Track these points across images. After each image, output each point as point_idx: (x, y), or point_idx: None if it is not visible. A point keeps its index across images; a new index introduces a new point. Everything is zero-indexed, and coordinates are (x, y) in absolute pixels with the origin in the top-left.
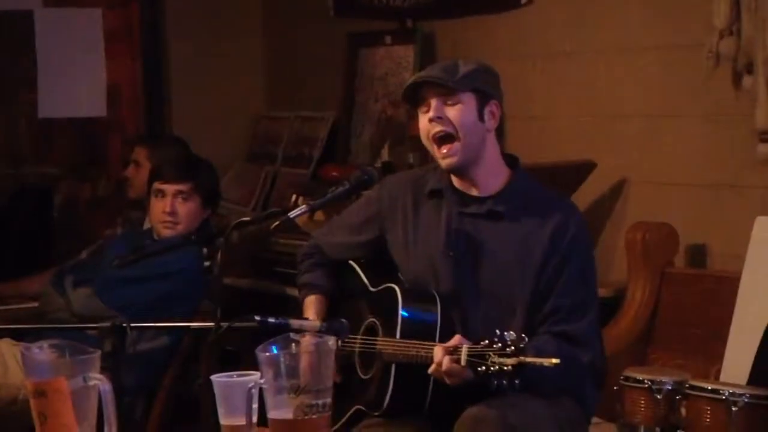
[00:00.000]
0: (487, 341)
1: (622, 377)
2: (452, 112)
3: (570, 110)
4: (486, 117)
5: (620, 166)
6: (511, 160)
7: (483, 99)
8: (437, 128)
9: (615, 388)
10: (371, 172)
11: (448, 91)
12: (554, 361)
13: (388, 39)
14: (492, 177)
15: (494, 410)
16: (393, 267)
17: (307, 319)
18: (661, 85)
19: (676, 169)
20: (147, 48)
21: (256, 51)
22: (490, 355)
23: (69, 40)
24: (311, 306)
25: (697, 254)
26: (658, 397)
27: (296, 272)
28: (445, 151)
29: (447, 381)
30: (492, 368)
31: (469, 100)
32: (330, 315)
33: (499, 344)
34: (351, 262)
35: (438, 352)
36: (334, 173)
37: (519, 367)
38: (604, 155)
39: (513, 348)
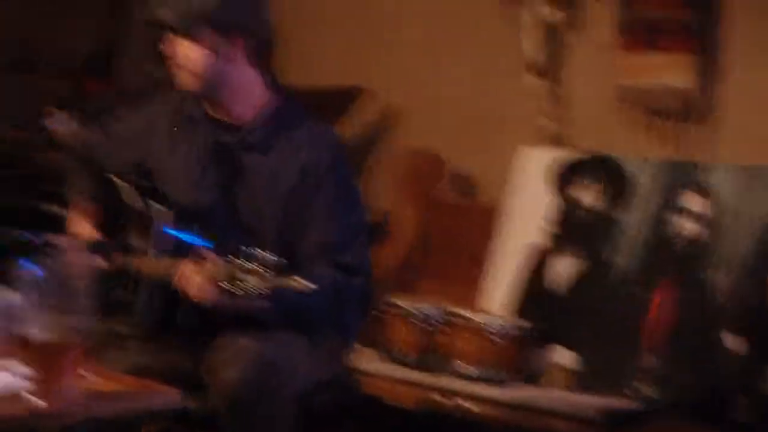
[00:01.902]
0: (242, 261)
1: (384, 303)
2: (183, 51)
3: (342, 35)
4: (227, 52)
5: (390, 93)
6: (274, 85)
7: (223, 35)
8: (173, 63)
9: (378, 314)
10: (138, 89)
11: (177, 32)
12: (309, 284)
13: None
14: (245, 104)
15: (250, 342)
16: (156, 187)
17: (71, 236)
18: (434, 13)
19: (444, 98)
20: None
21: None
22: (241, 274)
23: None
24: (78, 219)
25: (464, 183)
26: (417, 323)
27: (57, 188)
28: (181, 77)
29: (192, 294)
30: (243, 287)
31: (203, 38)
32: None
33: (255, 264)
34: (116, 179)
35: (184, 268)
36: (98, 87)
37: (273, 289)
38: (375, 81)
39: (269, 269)
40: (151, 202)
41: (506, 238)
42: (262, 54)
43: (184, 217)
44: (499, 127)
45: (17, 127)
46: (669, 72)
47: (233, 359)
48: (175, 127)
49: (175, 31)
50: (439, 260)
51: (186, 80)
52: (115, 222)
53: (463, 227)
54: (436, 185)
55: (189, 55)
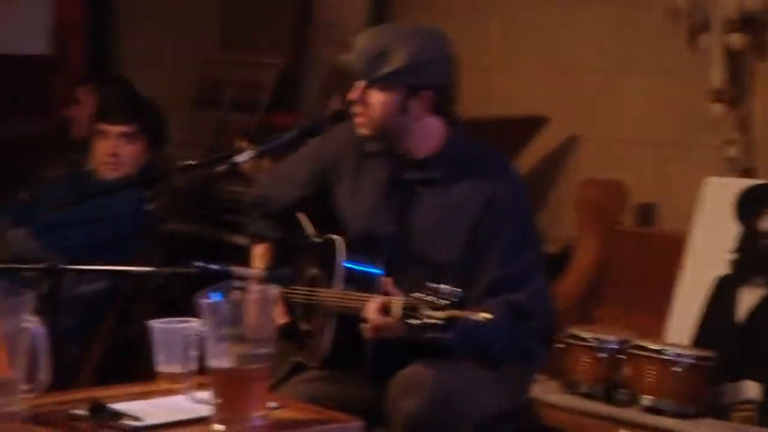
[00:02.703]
0: (421, 294)
1: (567, 335)
2: (373, 99)
3: (525, 64)
4: (412, 108)
5: (573, 122)
6: (450, 121)
7: (411, 92)
8: (356, 109)
9: (559, 345)
10: (319, 120)
11: (367, 84)
12: (486, 315)
13: None
14: (423, 143)
15: (431, 372)
16: (338, 219)
17: (253, 267)
18: (617, 41)
19: (628, 126)
20: None
21: None
22: (422, 308)
23: None
24: (259, 256)
25: (647, 213)
26: (602, 355)
27: (242, 220)
28: (360, 121)
29: (376, 329)
30: (424, 321)
31: (394, 93)
32: (276, 265)
33: (434, 297)
34: (297, 213)
35: (369, 307)
36: (283, 120)
37: (451, 321)
38: (557, 110)
39: (446, 301)
40: (331, 234)
41: (691, 269)
42: (445, 101)
43: (366, 249)
44: (684, 155)
45: (204, 161)
46: None
47: (413, 389)
48: (358, 158)
49: (366, 81)
50: (621, 291)
51: (365, 126)
52: (297, 254)
53: (646, 257)
54: (618, 215)
55: (374, 104)
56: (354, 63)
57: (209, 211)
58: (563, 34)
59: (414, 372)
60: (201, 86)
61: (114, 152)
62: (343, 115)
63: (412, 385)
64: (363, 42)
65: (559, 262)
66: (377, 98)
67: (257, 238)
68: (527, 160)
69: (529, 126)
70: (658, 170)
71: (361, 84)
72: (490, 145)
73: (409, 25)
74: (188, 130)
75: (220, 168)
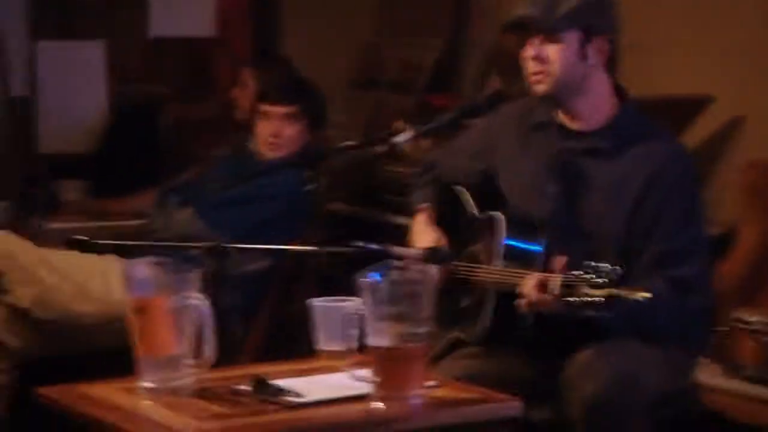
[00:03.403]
0: (581, 272)
1: (730, 318)
2: (551, 51)
3: (687, 42)
4: (590, 54)
5: (737, 102)
6: (619, 92)
7: (588, 35)
8: (533, 66)
9: (724, 329)
10: (479, 102)
11: (547, 30)
12: (645, 294)
13: None
14: (596, 111)
15: (608, 356)
16: (500, 196)
17: (412, 245)
18: None
19: None
20: None
21: None
22: (580, 286)
23: None
24: (420, 219)
25: None
26: (766, 339)
27: (400, 199)
28: (537, 77)
29: (534, 306)
30: (582, 299)
31: (570, 38)
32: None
33: (592, 275)
34: (459, 187)
35: (528, 283)
36: (441, 102)
37: (609, 299)
38: (721, 90)
39: (605, 279)
40: (493, 211)
41: None
42: (615, 60)
43: (527, 226)
44: None
45: (364, 142)
46: None
47: (591, 373)
48: (523, 133)
49: (543, 31)
50: None
51: (545, 83)
52: (456, 231)
53: None
54: None
55: (553, 56)
56: (528, 14)
57: (369, 191)
58: (730, 12)
59: (591, 355)
60: (360, 67)
61: (276, 133)
62: (502, 96)
63: (589, 368)
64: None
65: (721, 245)
66: (554, 49)
67: (420, 201)
68: (690, 140)
69: (693, 106)
70: None
71: (536, 39)
72: (658, 121)
73: None
74: (347, 111)
75: (380, 148)
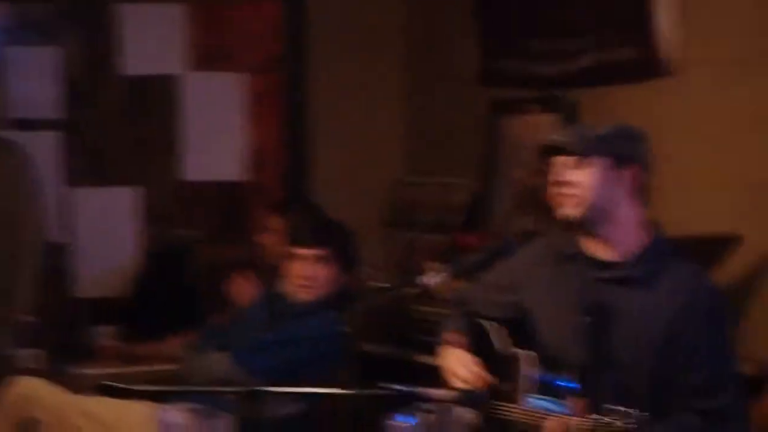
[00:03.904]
0: (599, 416)
1: None
2: (581, 175)
3: (714, 179)
4: (619, 181)
5: (766, 240)
6: (650, 225)
7: (617, 163)
8: (565, 191)
9: None
10: (510, 241)
11: (578, 156)
12: None
13: (531, 107)
14: (626, 240)
15: None
16: (529, 332)
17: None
18: None
19: None
20: (290, 113)
21: (397, 116)
22: (599, 430)
23: (214, 103)
24: (455, 353)
25: None
26: None
27: (433, 340)
28: (567, 201)
29: None
30: None
31: (600, 164)
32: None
33: (613, 419)
34: (488, 322)
35: (548, 426)
36: (473, 241)
37: None
38: (748, 228)
39: (621, 423)
40: (520, 348)
41: None
42: (645, 192)
43: (556, 362)
44: None
45: (397, 283)
46: None
47: None
48: (553, 267)
49: (574, 154)
50: None
51: (572, 207)
52: (486, 368)
53: None
54: None
55: (582, 180)
56: (563, 139)
57: (402, 332)
58: (752, 148)
59: None
60: (392, 207)
61: (308, 275)
62: (532, 235)
63: None
64: (570, 129)
65: (755, 385)
66: (584, 173)
67: (450, 329)
68: (720, 278)
69: (721, 245)
70: None
71: (568, 163)
72: (686, 255)
73: None
74: (381, 251)
75: (413, 290)
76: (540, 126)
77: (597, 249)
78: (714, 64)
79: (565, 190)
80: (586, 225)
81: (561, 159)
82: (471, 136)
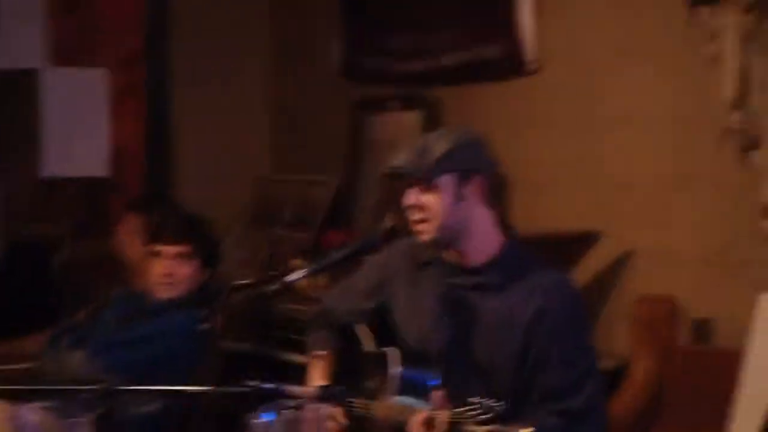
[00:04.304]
0: (465, 408)
1: None
2: (428, 199)
3: (576, 179)
4: (467, 194)
5: (626, 238)
6: (504, 227)
7: (463, 177)
8: (414, 215)
9: None
10: (373, 238)
11: (421, 181)
12: (529, 429)
13: (394, 105)
14: (481, 247)
15: None
16: (396, 332)
17: (303, 385)
18: (669, 157)
19: (681, 241)
20: (152, 109)
21: (262, 113)
22: (465, 422)
23: (74, 99)
24: (317, 365)
25: (702, 329)
26: None
27: (296, 337)
28: (421, 227)
29: None
30: None
31: (446, 183)
32: (335, 378)
33: (476, 411)
34: (357, 326)
35: (414, 420)
36: (337, 238)
37: None
38: (609, 226)
39: (489, 415)
40: (386, 346)
41: (749, 387)
42: (495, 192)
43: (419, 361)
44: (738, 271)
45: (259, 280)
46: None
47: None
48: (414, 270)
49: (417, 181)
50: (678, 409)
51: (428, 231)
52: (353, 368)
53: (703, 375)
54: (673, 332)
55: (431, 204)
56: (400, 165)
57: (264, 329)
58: (615, 149)
59: None
60: (255, 205)
61: (169, 272)
62: (396, 233)
63: None
64: (405, 148)
65: (613, 379)
66: (432, 197)
67: (314, 350)
68: (579, 276)
69: (582, 241)
70: (712, 286)
71: (413, 188)
72: (543, 256)
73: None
74: (244, 249)
75: (275, 287)
76: (402, 124)
77: (453, 256)
78: (575, 63)
79: (414, 213)
80: (442, 245)
81: (406, 185)
82: (336, 133)
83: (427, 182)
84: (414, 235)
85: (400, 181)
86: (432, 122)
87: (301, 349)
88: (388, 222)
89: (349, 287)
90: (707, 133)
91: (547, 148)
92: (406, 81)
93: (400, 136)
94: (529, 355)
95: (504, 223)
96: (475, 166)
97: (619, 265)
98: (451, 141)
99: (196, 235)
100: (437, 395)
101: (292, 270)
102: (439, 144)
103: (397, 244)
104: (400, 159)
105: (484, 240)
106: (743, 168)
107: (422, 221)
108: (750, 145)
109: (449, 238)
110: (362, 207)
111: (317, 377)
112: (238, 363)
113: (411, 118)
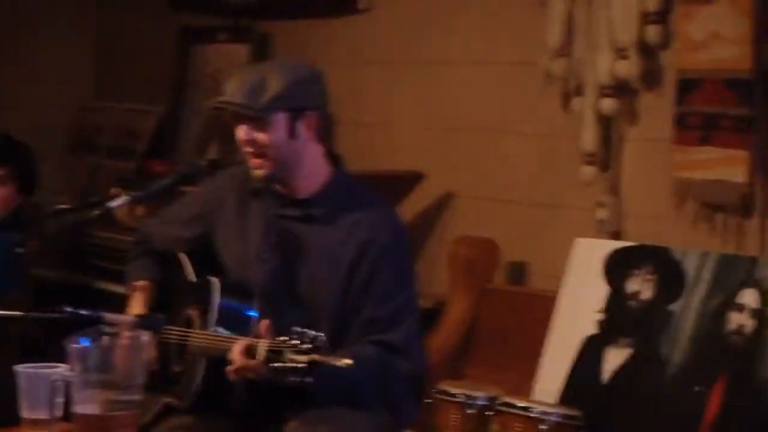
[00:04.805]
0: (286, 338)
1: (435, 390)
2: (261, 136)
3: (403, 120)
4: (300, 131)
5: (448, 180)
6: (333, 159)
7: (295, 115)
8: (248, 149)
9: (428, 400)
10: (196, 168)
11: (253, 119)
12: (347, 361)
13: (222, 36)
14: (310, 180)
15: (311, 428)
16: (217, 261)
17: (121, 312)
18: (494, 101)
19: (502, 185)
20: None
21: (86, 38)
22: (286, 352)
23: None
24: (137, 295)
25: (518, 271)
26: (470, 412)
27: (112, 266)
28: (255, 163)
29: (240, 372)
30: (287, 364)
31: (278, 121)
32: (155, 306)
33: (297, 341)
34: (180, 255)
35: (235, 349)
36: (160, 168)
37: (312, 365)
38: (433, 167)
39: (309, 345)
40: (208, 276)
41: (560, 329)
42: (325, 128)
43: (242, 290)
44: (555, 216)
45: (78, 206)
46: (725, 167)
47: None
48: (242, 200)
49: (248, 119)
50: (491, 348)
51: (261, 166)
52: (174, 296)
53: (516, 315)
54: (489, 273)
55: (264, 141)
56: (233, 102)
57: (80, 256)
58: (443, 92)
59: (300, 426)
60: (76, 131)
61: None
62: (220, 164)
63: None
64: (236, 81)
65: (431, 318)
66: (264, 135)
67: (135, 276)
68: (402, 216)
69: (405, 182)
70: (530, 230)
71: (244, 124)
72: (371, 188)
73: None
74: (62, 176)
75: (94, 213)
76: (230, 56)
77: (283, 187)
78: (407, 5)
79: (248, 149)
80: (275, 179)
81: (239, 118)
82: (162, 63)
83: (260, 120)
84: (243, 165)
85: (231, 117)
86: (261, 55)
87: (117, 278)
88: (212, 153)
89: (168, 215)
90: (533, 79)
91: (376, 88)
92: (236, 12)
93: (228, 67)
94: (351, 286)
95: (333, 156)
96: (309, 103)
97: (440, 206)
98: (286, 77)
99: (13, 158)
100: (262, 325)
101: (112, 198)
102: (274, 80)
103: (226, 172)
104: (231, 93)
105: (313, 173)
106: (565, 115)
107: (256, 156)
108: (572, 92)
109: (282, 173)
110: (186, 137)
111: (136, 306)
112: (51, 290)
113: (240, 51)
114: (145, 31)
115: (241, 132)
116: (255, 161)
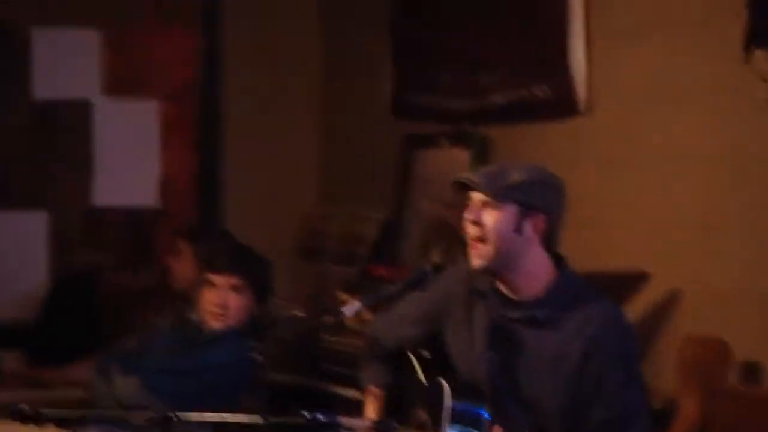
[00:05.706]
0: None
1: None
2: (489, 218)
3: (624, 218)
4: (525, 229)
5: (674, 277)
6: (557, 261)
7: (525, 211)
8: (472, 231)
9: None
10: (423, 273)
11: (488, 194)
12: None
13: (444, 142)
14: (531, 280)
15: None
16: (447, 361)
17: (358, 417)
18: (717, 194)
19: (731, 281)
20: (203, 141)
21: (311, 147)
22: None
23: (126, 129)
24: (369, 402)
25: (751, 371)
26: None
27: (342, 370)
28: (474, 251)
29: None
30: None
31: (509, 210)
32: (387, 408)
33: None
34: (409, 354)
35: None
36: (383, 272)
37: None
38: (658, 265)
39: None
40: (438, 377)
41: None
42: (552, 235)
43: (472, 391)
44: None
45: (312, 313)
46: None
47: None
48: (467, 299)
49: (484, 193)
50: None
51: (482, 253)
52: (405, 396)
53: (749, 417)
54: (720, 373)
55: (491, 222)
56: (473, 178)
57: (312, 361)
58: (661, 188)
59: None
60: (303, 238)
61: (222, 302)
62: (443, 269)
63: None
64: (481, 169)
65: (661, 419)
66: (493, 215)
67: (367, 383)
68: (629, 315)
69: (629, 282)
70: (763, 327)
71: (477, 202)
72: (597, 288)
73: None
74: (289, 282)
75: (328, 319)
76: (451, 161)
77: (504, 288)
78: (624, 102)
79: (472, 229)
80: (493, 273)
81: (473, 195)
82: (384, 169)
83: (493, 200)
84: (464, 265)
85: (462, 190)
86: (481, 159)
87: (346, 382)
88: (435, 257)
89: (394, 316)
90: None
91: (594, 187)
92: (455, 118)
93: (449, 172)
94: (580, 385)
95: (557, 257)
96: (541, 204)
97: (667, 304)
98: (526, 174)
99: (250, 267)
100: (492, 429)
101: (343, 304)
102: (516, 174)
103: (449, 273)
104: (473, 175)
105: (535, 273)
106: None
107: (478, 240)
108: None
109: (500, 266)
110: (409, 242)
111: (371, 411)
112: (287, 395)
113: (461, 155)
114: (369, 138)
115: (470, 212)
116: (476, 247)
